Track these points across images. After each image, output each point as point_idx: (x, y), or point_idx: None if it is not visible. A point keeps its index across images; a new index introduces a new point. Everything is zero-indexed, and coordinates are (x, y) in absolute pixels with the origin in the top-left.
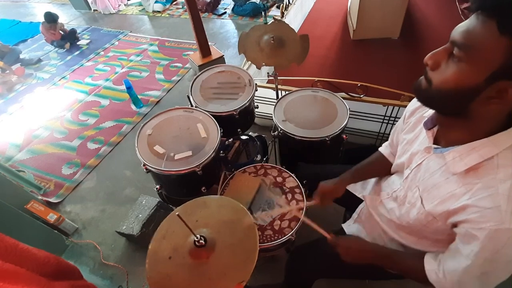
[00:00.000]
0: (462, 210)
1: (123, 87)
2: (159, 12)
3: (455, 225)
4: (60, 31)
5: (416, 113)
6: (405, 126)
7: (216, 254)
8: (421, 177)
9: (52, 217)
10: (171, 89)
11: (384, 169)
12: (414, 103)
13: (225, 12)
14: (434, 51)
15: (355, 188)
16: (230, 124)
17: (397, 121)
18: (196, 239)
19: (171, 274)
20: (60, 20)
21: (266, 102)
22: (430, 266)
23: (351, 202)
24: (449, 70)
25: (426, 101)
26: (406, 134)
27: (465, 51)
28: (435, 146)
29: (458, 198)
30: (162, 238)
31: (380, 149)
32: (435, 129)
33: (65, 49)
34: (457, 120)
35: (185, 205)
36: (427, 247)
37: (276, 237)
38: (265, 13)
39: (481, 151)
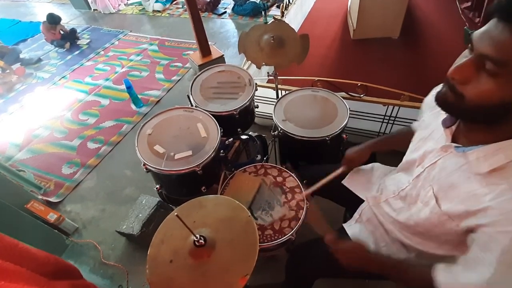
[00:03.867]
0: (483, 212)
1: (123, 86)
2: (159, 11)
3: (471, 229)
4: (61, 31)
5: (434, 109)
6: (420, 121)
7: (217, 252)
8: (436, 176)
9: (52, 216)
10: (171, 88)
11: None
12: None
13: (225, 12)
14: (459, 64)
15: (357, 188)
16: (230, 123)
17: (397, 121)
18: (196, 239)
19: (174, 276)
20: (61, 21)
21: (266, 101)
22: (446, 279)
23: (352, 202)
24: (486, 84)
25: (458, 114)
26: (420, 131)
27: (504, 68)
28: (456, 144)
29: (479, 199)
30: (160, 242)
31: (412, 125)
32: (454, 127)
33: (65, 49)
34: (488, 124)
35: (181, 207)
36: (431, 249)
37: (276, 237)
38: (265, 13)
39: (508, 152)
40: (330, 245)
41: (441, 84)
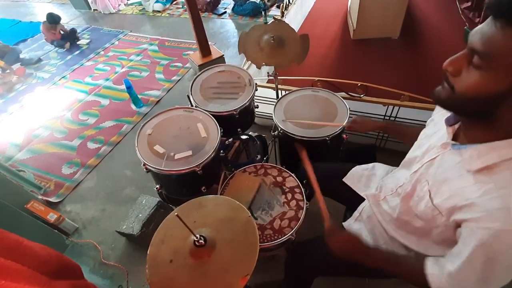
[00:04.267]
0: (468, 208)
1: (123, 86)
2: (159, 11)
3: (459, 224)
4: (61, 31)
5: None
6: (428, 121)
7: (217, 252)
8: (433, 171)
9: (52, 216)
10: (171, 88)
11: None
12: None
13: (225, 12)
14: (453, 57)
15: (358, 186)
16: (230, 123)
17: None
18: (196, 239)
19: (174, 276)
20: (61, 21)
21: (266, 101)
22: (433, 271)
23: (352, 201)
24: (472, 77)
25: (450, 107)
26: (427, 129)
27: (487, 60)
28: (453, 142)
29: (467, 195)
30: (160, 242)
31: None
32: (456, 126)
33: (65, 49)
34: (482, 121)
35: (181, 207)
36: (428, 249)
37: (276, 237)
38: (265, 13)
39: (502, 152)
40: (326, 232)
41: None
